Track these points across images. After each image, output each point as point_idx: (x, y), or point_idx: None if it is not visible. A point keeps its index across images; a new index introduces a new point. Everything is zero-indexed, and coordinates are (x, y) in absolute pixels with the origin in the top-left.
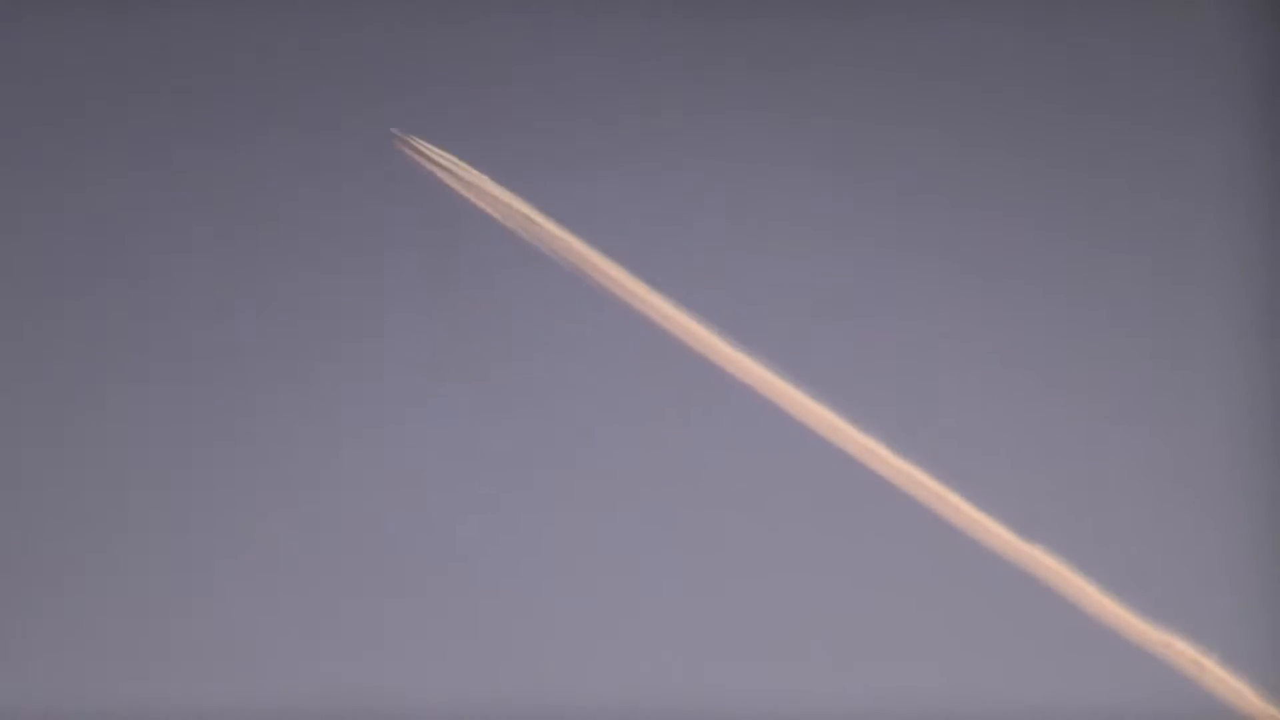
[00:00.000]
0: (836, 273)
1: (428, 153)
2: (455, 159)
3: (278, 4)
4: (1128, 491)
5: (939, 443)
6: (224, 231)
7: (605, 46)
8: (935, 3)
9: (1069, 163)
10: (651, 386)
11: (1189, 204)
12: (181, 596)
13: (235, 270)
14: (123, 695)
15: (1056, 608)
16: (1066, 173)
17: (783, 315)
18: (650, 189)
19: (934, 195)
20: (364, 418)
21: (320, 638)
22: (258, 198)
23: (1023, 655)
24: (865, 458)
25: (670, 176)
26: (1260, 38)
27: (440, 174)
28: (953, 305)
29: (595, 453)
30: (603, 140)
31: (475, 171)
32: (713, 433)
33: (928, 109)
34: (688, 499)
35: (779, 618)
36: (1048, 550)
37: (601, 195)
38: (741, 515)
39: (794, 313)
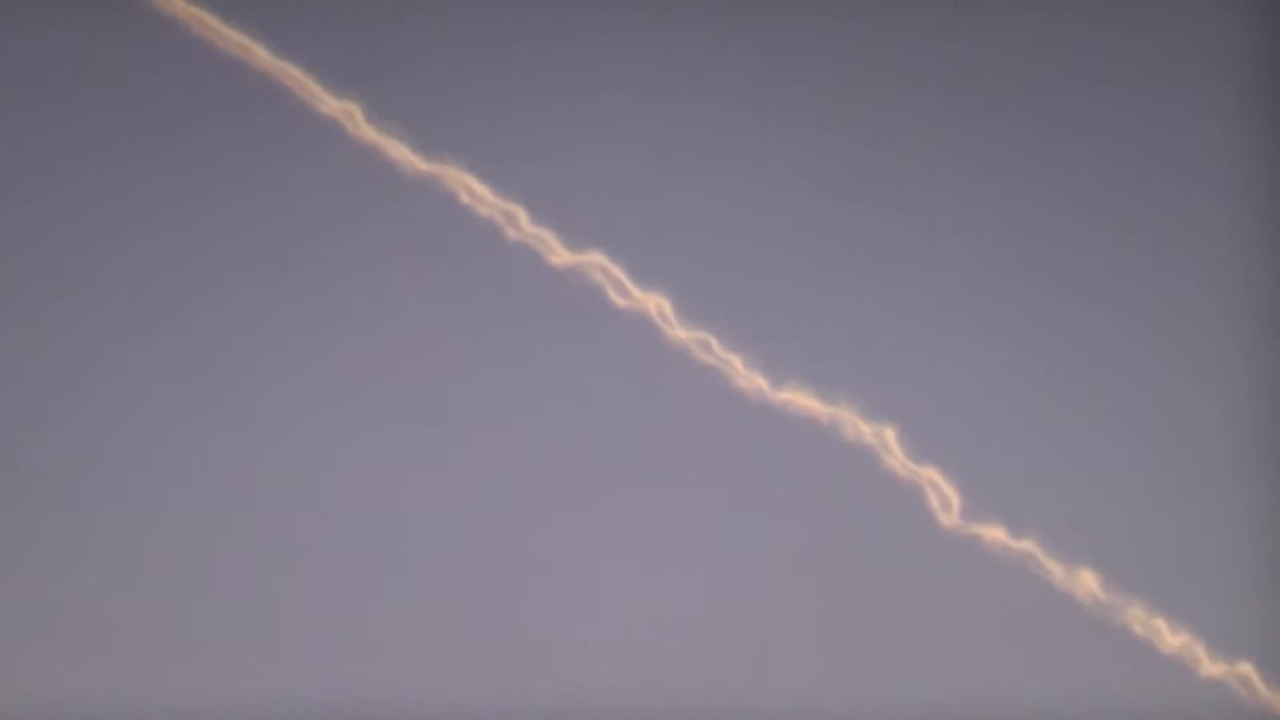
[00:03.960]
0: (841, 274)
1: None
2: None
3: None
4: (1144, 492)
5: (939, 438)
6: (223, 228)
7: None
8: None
9: (1074, 159)
10: (645, 385)
11: (1194, 200)
12: (180, 597)
13: (234, 275)
14: (120, 695)
15: (1074, 613)
16: (1070, 169)
17: (785, 314)
18: (635, 180)
19: (932, 195)
20: (356, 419)
21: (318, 637)
22: (260, 195)
23: (1033, 658)
24: (864, 454)
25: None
26: (1263, 36)
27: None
28: (957, 302)
29: (590, 452)
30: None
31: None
32: (709, 432)
33: (929, 110)
34: (683, 500)
35: (774, 616)
36: (1060, 551)
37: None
38: (738, 513)
39: (795, 311)
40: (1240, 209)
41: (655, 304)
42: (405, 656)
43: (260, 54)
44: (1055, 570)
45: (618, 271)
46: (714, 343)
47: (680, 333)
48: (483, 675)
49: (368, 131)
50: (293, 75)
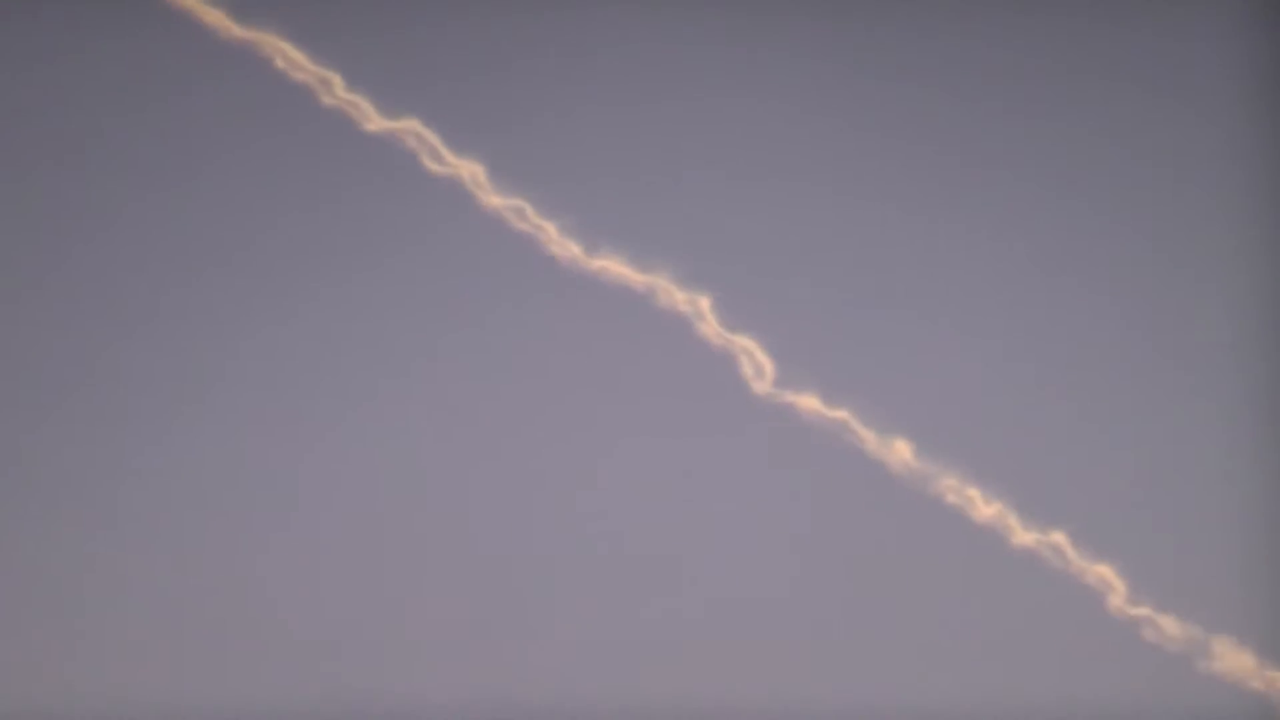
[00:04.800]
0: (662, 145)
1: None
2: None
3: None
4: (957, 363)
5: (754, 307)
6: (229, 233)
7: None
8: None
9: (1076, 156)
10: (459, 251)
11: (1195, 196)
12: (180, 597)
13: (243, 276)
14: (124, 695)
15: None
16: (1071, 165)
17: (600, 182)
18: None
19: (939, 192)
20: (359, 417)
21: (316, 637)
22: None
23: (846, 525)
24: (679, 321)
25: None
26: (1263, 35)
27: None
28: (972, 302)
29: (401, 317)
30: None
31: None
32: (522, 299)
33: (936, 111)
34: (494, 367)
35: (582, 482)
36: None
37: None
38: (550, 380)
39: (610, 179)
40: (1244, 199)
41: (470, 170)
42: (402, 655)
43: None
44: (869, 438)
45: (433, 138)
46: (528, 209)
47: (494, 199)
48: (482, 674)
49: None
50: None
